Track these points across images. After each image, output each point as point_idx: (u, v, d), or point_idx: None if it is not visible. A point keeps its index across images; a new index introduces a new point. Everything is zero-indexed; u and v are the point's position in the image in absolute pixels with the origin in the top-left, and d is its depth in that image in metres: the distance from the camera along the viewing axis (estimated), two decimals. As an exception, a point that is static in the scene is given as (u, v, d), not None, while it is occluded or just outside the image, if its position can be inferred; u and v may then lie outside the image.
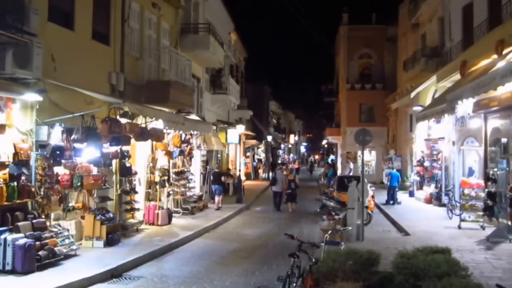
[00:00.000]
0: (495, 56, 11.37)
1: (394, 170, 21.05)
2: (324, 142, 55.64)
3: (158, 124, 12.64)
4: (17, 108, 8.54)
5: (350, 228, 10.88)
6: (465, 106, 12.58)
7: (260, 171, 37.61)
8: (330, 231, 8.93)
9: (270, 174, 36.15)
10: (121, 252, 9.77)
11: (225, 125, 24.08)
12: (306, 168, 51.08)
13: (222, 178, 18.56)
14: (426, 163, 20.17)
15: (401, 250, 6.46)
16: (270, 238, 12.70)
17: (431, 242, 8.16)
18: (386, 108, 31.13)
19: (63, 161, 9.38)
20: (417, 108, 19.84)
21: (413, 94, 21.38)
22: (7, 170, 8.27)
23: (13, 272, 7.81)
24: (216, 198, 17.62)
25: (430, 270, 5.55)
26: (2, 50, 7.70)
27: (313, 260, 6.31)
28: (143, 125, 12.17)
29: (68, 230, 9.45)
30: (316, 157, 71.01)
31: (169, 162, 15.09)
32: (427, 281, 5.36)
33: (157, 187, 14.11)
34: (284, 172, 20.66)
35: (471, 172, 15.48)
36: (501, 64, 10.28)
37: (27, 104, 8.69)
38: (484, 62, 12.43)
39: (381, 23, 33.31)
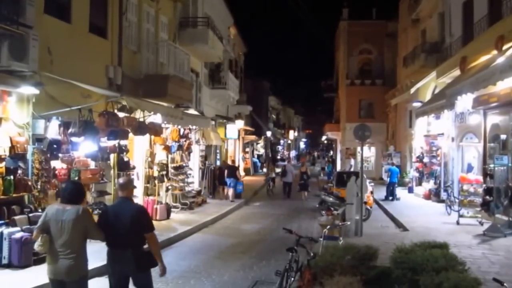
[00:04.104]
0: (495, 52, 11.34)
1: (394, 166, 21.02)
2: (323, 138, 55.60)
3: (156, 118, 12.58)
4: (13, 101, 8.46)
5: (348, 223, 10.85)
6: (464, 102, 12.56)
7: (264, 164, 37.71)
8: (328, 226, 8.90)
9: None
10: (119, 246, 9.72)
11: (224, 120, 24.03)
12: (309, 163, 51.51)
13: (236, 172, 19.12)
14: (425, 159, 20.15)
15: (399, 245, 6.42)
16: (268, 233, 12.69)
17: (429, 237, 8.10)
18: (385, 104, 31.09)
19: (60, 155, 9.31)
20: (416, 104, 19.82)
21: (412, 90, 21.37)
22: (3, 164, 8.22)
23: (9, 266, 7.77)
24: (230, 191, 18.35)
25: (428, 265, 5.52)
26: (-3, 42, 7.62)
27: (311, 254, 6.29)
28: (141, 119, 12.10)
29: (65, 224, 9.38)
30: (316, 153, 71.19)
31: (167, 156, 15.04)
32: (425, 275, 5.34)
33: (156, 182, 14.07)
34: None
35: (470, 168, 15.46)
36: (500, 59, 10.24)
37: (24, 97, 8.61)
38: (484, 58, 12.39)
39: (381, 18, 33.22)
